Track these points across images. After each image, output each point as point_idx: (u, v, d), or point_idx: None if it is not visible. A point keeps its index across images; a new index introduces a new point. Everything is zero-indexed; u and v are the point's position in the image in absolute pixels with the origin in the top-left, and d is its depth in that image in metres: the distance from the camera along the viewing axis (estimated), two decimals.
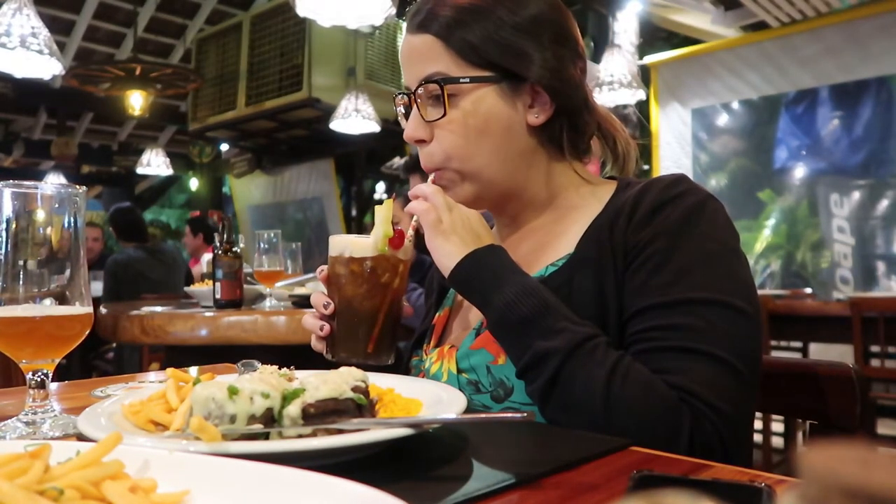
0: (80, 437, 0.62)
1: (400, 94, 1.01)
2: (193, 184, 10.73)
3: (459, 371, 0.94)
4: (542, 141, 0.98)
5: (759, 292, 0.82)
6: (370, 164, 9.06)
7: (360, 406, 0.62)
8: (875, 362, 3.69)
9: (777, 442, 3.23)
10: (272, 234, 2.71)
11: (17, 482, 0.40)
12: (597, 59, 4.84)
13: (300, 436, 0.59)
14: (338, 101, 5.58)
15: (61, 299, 0.78)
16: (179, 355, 2.64)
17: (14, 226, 0.76)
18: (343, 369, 0.67)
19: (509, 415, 0.61)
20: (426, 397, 0.73)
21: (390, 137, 6.69)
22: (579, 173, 1.02)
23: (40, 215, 0.77)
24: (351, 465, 0.55)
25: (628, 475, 0.53)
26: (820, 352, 4.40)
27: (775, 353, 4.30)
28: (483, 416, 0.66)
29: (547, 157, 0.99)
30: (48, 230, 0.77)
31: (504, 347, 0.86)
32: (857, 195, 5.15)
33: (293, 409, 0.59)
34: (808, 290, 5.11)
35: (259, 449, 0.53)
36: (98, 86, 6.22)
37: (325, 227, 8.26)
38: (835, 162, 5.24)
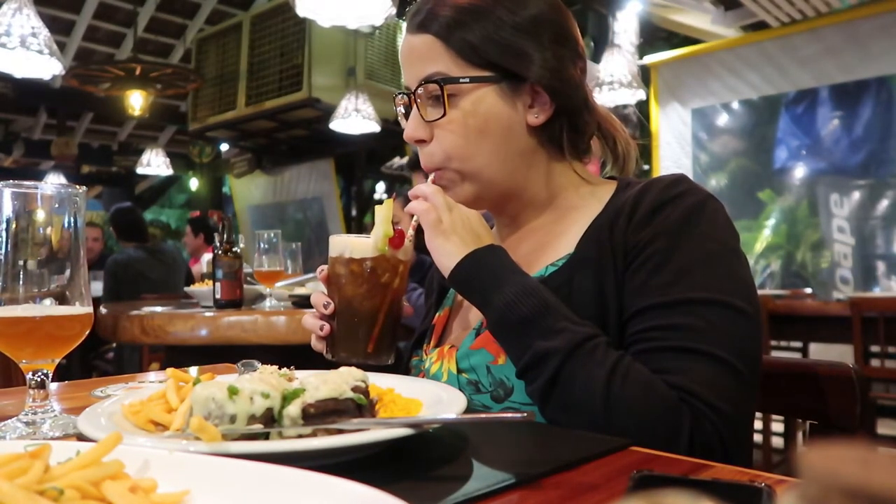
0: (80, 437, 0.62)
1: (400, 94, 1.01)
2: (193, 184, 10.73)
3: (459, 371, 0.94)
4: (541, 141, 0.98)
5: (759, 292, 0.82)
6: (370, 164, 9.06)
7: (360, 406, 0.62)
8: (875, 362, 3.69)
9: (777, 442, 3.23)
10: (272, 234, 2.71)
11: (17, 482, 0.40)
12: (597, 59, 4.84)
13: (300, 436, 0.59)
14: (338, 101, 5.58)
15: (61, 299, 0.78)
16: (179, 355, 2.64)
17: (14, 226, 0.76)
18: (343, 369, 0.67)
19: (509, 415, 0.61)
20: (426, 397, 0.73)
21: (390, 137, 6.69)
22: (579, 173, 1.02)
23: (40, 215, 0.77)
24: (351, 465, 0.55)
25: (628, 475, 0.53)
26: (820, 352, 4.40)
27: (775, 353, 4.30)
28: (483, 416, 0.66)
29: (547, 158, 0.99)
30: (48, 230, 0.77)
31: (504, 347, 0.86)
32: (857, 195, 5.15)
33: (293, 409, 0.59)
34: (808, 290, 5.11)
35: (259, 449, 0.53)
36: (98, 86, 6.22)
37: (325, 227, 8.26)
38: (835, 162, 5.24)
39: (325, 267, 0.98)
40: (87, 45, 7.59)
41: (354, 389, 0.63)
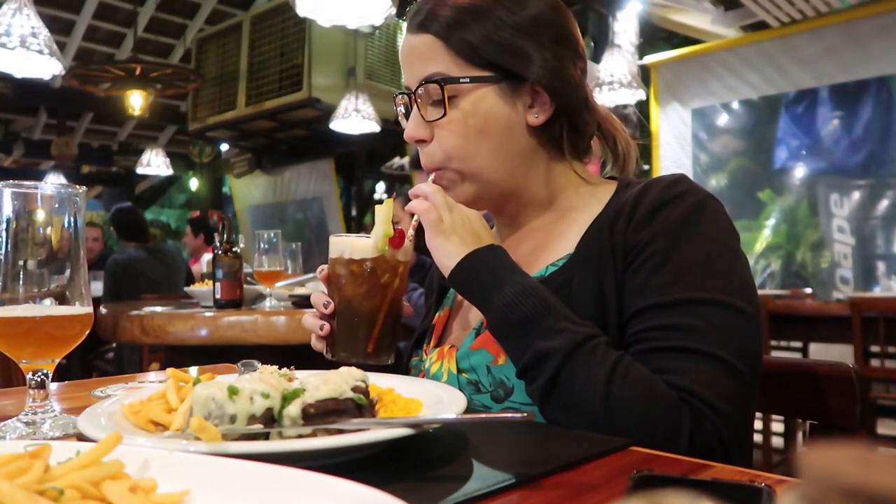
0: (80, 437, 0.62)
1: (400, 94, 1.01)
2: (193, 184, 10.73)
3: (459, 371, 0.94)
4: (541, 141, 0.98)
5: (759, 292, 0.82)
6: (370, 164, 9.06)
7: (360, 406, 0.62)
8: (875, 362, 3.69)
9: (777, 442, 3.23)
10: (272, 234, 2.71)
11: (17, 482, 0.40)
12: (597, 59, 4.84)
13: (300, 436, 0.59)
14: (338, 101, 5.59)
15: (61, 299, 0.78)
16: (179, 355, 2.64)
17: (14, 226, 0.76)
18: (343, 369, 0.67)
19: (509, 415, 0.61)
20: (426, 397, 0.73)
21: (390, 137, 6.69)
22: (579, 173, 1.02)
23: (40, 215, 0.77)
24: (351, 465, 0.55)
25: (628, 475, 0.53)
26: (820, 352, 4.40)
27: (775, 353, 4.30)
28: (483, 416, 0.66)
29: (547, 158, 0.99)
30: (48, 230, 0.77)
31: (504, 347, 0.86)
32: (857, 195, 5.15)
33: (293, 409, 0.59)
34: (808, 290, 5.11)
35: (259, 449, 0.53)
36: (98, 86, 6.22)
37: (325, 227, 8.26)
38: (835, 162, 5.24)
39: (325, 267, 0.98)
40: (87, 45, 7.59)
41: (354, 389, 0.63)
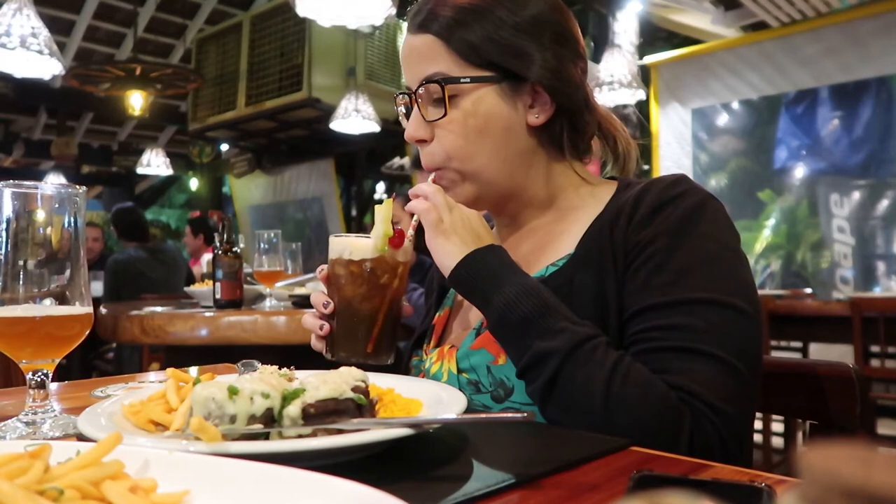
0: (80, 437, 0.62)
1: (401, 93, 1.01)
2: (193, 184, 10.73)
3: (459, 371, 0.94)
4: (542, 141, 0.98)
5: (759, 292, 0.82)
6: (370, 164, 9.06)
7: (360, 406, 0.62)
8: (875, 362, 3.69)
9: (777, 442, 3.23)
10: (272, 234, 2.71)
11: (17, 482, 0.40)
12: (597, 59, 4.84)
13: (300, 436, 0.59)
14: (338, 101, 5.59)
15: (61, 299, 0.78)
16: (179, 355, 2.64)
17: (14, 226, 0.76)
18: (343, 369, 0.67)
19: (509, 415, 0.61)
20: (426, 397, 0.73)
21: (390, 137, 6.69)
22: (579, 173, 1.02)
23: (40, 215, 0.77)
24: (351, 465, 0.55)
25: (628, 475, 0.53)
26: (820, 352, 4.40)
27: (775, 353, 4.30)
28: (483, 416, 0.66)
29: (547, 158, 0.99)
30: (48, 230, 0.77)
31: (504, 347, 0.86)
32: (857, 195, 5.15)
33: (293, 409, 0.59)
34: (808, 290, 5.11)
35: (259, 449, 0.53)
36: (98, 86, 6.22)
37: (325, 227, 8.26)
38: (835, 162, 5.25)
39: (324, 266, 0.98)
40: (87, 45, 7.59)
41: (354, 389, 0.63)
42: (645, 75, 5.76)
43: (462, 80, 0.92)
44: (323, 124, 6.08)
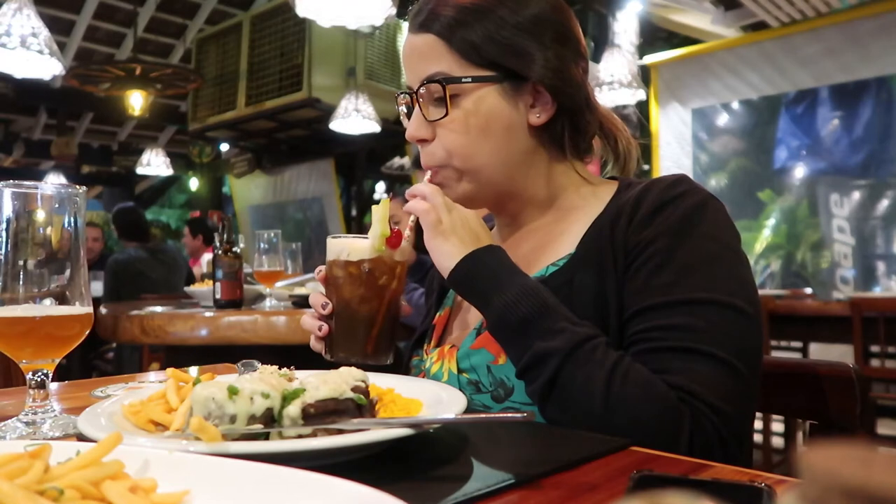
0: (80, 437, 0.62)
1: (402, 93, 1.01)
2: (193, 184, 10.73)
3: (460, 371, 0.94)
4: (543, 141, 0.98)
5: (759, 292, 0.82)
6: (370, 164, 9.06)
7: (360, 406, 0.62)
8: (875, 362, 3.69)
9: (777, 442, 3.23)
10: (272, 234, 2.71)
11: (17, 482, 0.40)
12: (597, 59, 4.84)
13: (300, 436, 0.59)
14: (338, 101, 5.59)
15: (61, 299, 0.78)
16: (179, 355, 2.64)
17: (14, 226, 0.76)
18: (343, 369, 0.67)
19: (509, 415, 0.61)
20: (426, 397, 0.73)
21: (390, 137, 6.69)
22: (580, 173, 1.02)
23: (40, 215, 0.77)
24: (351, 465, 0.55)
25: (628, 475, 0.53)
26: (820, 352, 4.40)
27: (775, 353, 4.30)
28: (483, 416, 0.66)
29: (548, 157, 0.99)
30: (48, 230, 0.77)
31: (504, 348, 0.86)
32: (857, 195, 5.15)
33: (293, 409, 0.59)
34: (808, 290, 5.11)
35: (259, 449, 0.53)
36: (98, 86, 6.22)
37: (325, 227, 8.26)
38: (835, 162, 5.25)
39: (323, 267, 0.98)
40: (87, 45, 7.59)
41: (354, 389, 0.63)
42: (645, 75, 5.75)
43: (463, 80, 0.92)
44: (323, 124, 6.08)
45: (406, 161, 8.18)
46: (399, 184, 10.05)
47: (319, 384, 0.62)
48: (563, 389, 0.78)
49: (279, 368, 0.73)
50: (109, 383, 1.07)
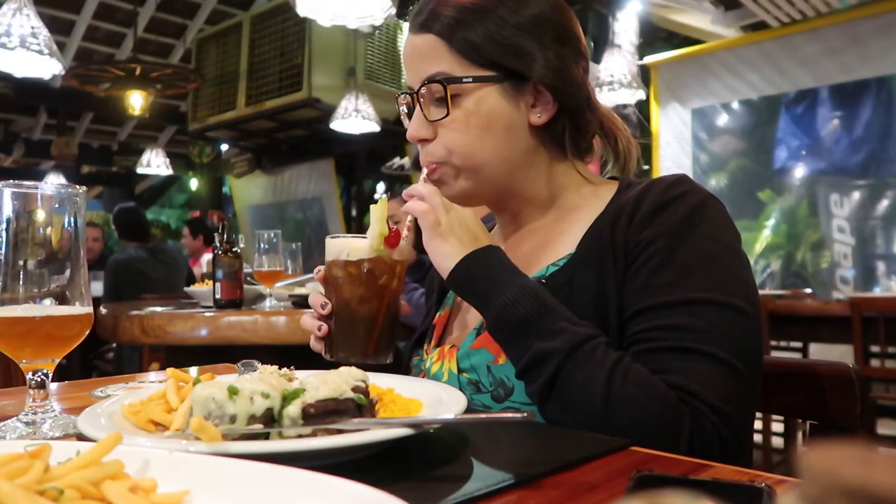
0: (80, 437, 0.62)
1: (402, 93, 1.01)
2: (193, 184, 10.73)
3: (460, 371, 0.94)
4: (544, 140, 0.98)
5: (759, 292, 0.82)
6: (370, 164, 9.05)
7: (360, 406, 0.62)
8: (875, 362, 3.69)
9: (777, 442, 3.23)
10: (272, 234, 2.71)
11: (17, 482, 0.40)
12: (597, 59, 4.84)
13: (300, 436, 0.59)
14: (338, 101, 5.59)
15: (61, 299, 0.78)
16: (179, 355, 2.64)
17: (14, 226, 0.76)
18: (343, 369, 0.67)
19: (509, 415, 0.61)
20: (426, 397, 0.73)
21: (390, 137, 6.69)
22: (581, 173, 1.02)
23: (40, 215, 0.77)
24: (351, 465, 0.55)
25: (628, 475, 0.53)
26: (820, 352, 4.40)
27: (775, 353, 4.30)
28: (483, 416, 0.66)
29: (549, 157, 0.99)
30: (48, 230, 0.77)
31: (503, 348, 0.86)
32: (857, 195, 5.15)
33: (293, 409, 0.59)
34: (808, 290, 5.11)
35: (259, 449, 0.53)
36: (98, 86, 6.22)
37: (325, 227, 8.26)
38: (835, 162, 5.25)
39: (322, 267, 0.98)
40: (87, 45, 7.59)
41: (354, 389, 0.63)
42: (645, 75, 5.75)
43: (464, 80, 0.92)
44: (323, 124, 6.08)
45: (406, 161, 8.17)
46: (399, 184, 10.05)
47: (319, 384, 0.62)
48: (562, 389, 0.78)
49: (279, 368, 0.73)
50: (109, 383, 1.07)
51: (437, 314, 1.11)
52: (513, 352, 0.83)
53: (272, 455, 0.52)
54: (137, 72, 5.87)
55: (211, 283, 2.66)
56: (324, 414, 0.60)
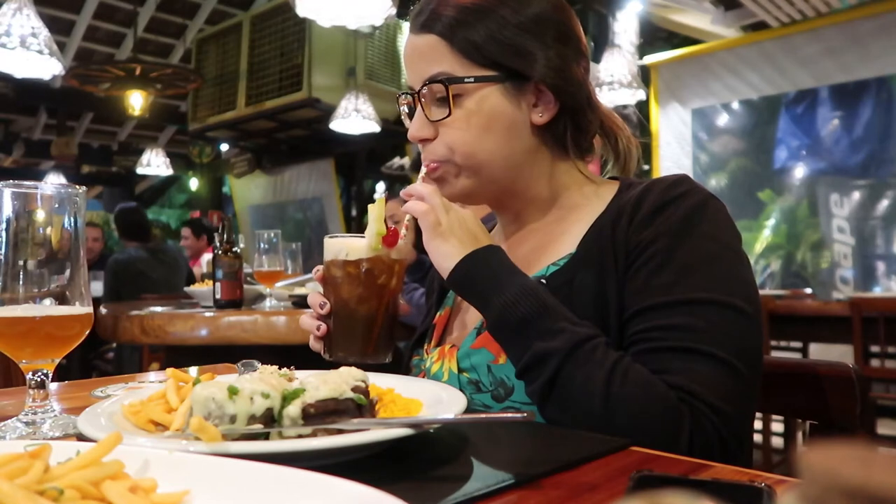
0: (80, 437, 0.62)
1: (403, 93, 1.01)
2: (193, 184, 10.74)
3: (460, 370, 0.94)
4: (545, 140, 0.98)
5: (759, 292, 0.82)
6: (370, 164, 9.06)
7: (360, 406, 0.62)
8: (875, 362, 3.69)
9: (777, 442, 3.23)
10: (272, 234, 2.71)
11: (17, 482, 0.40)
12: (597, 59, 4.84)
13: (300, 436, 0.59)
14: (338, 101, 5.59)
15: (61, 299, 0.78)
16: (179, 355, 2.64)
17: (14, 226, 0.76)
18: (343, 369, 0.67)
19: (509, 415, 0.61)
20: (426, 397, 0.73)
21: (390, 137, 6.69)
22: (583, 172, 1.02)
23: (40, 215, 0.77)
24: (351, 465, 0.55)
25: (628, 475, 0.53)
26: (820, 352, 4.40)
27: (775, 353, 4.30)
28: (483, 416, 0.66)
29: (550, 157, 1.00)
30: (48, 230, 0.77)
31: (504, 348, 0.86)
32: (857, 195, 5.15)
33: (293, 409, 0.59)
34: (808, 290, 5.11)
35: (259, 449, 0.53)
36: (98, 86, 6.22)
37: (325, 227, 8.27)
38: (835, 162, 5.25)
39: (320, 267, 0.98)
40: (87, 45, 7.59)
41: (354, 389, 0.63)
42: (645, 75, 5.76)
43: (466, 80, 0.92)
44: (323, 124, 6.08)
45: (406, 161, 8.17)
46: (399, 184, 10.05)
47: (319, 384, 0.62)
48: (562, 389, 0.78)
49: (279, 368, 0.73)
50: (109, 383, 1.06)
51: (438, 314, 1.11)
52: (513, 352, 0.83)
53: (272, 455, 0.52)
54: (137, 72, 5.88)
55: (211, 283, 2.66)
56: (324, 414, 0.60)
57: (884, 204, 5.04)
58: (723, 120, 5.88)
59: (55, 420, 0.76)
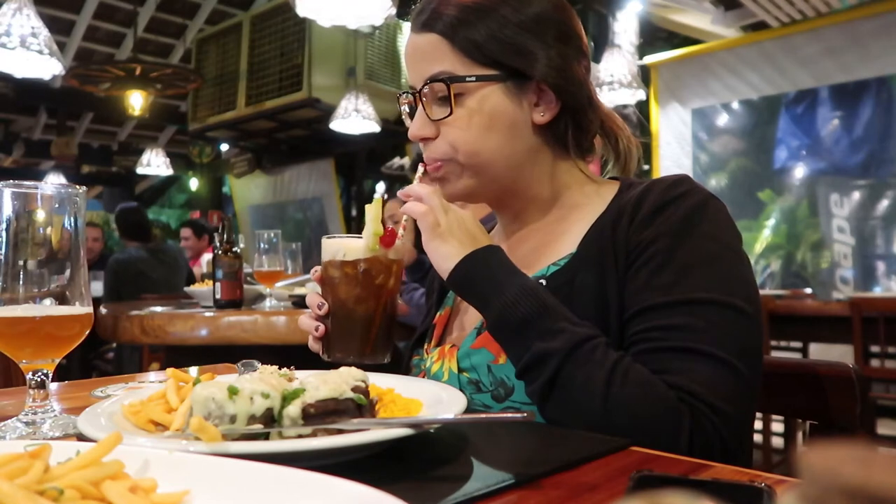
0: (80, 437, 0.62)
1: (404, 93, 1.01)
2: (193, 184, 10.74)
3: (460, 370, 0.94)
4: (546, 139, 0.98)
5: (760, 292, 0.82)
6: (370, 164, 9.06)
7: (360, 406, 0.62)
8: (875, 362, 3.69)
9: (777, 442, 3.23)
10: (272, 234, 2.71)
11: (17, 482, 0.40)
12: (597, 59, 4.84)
13: (300, 436, 0.59)
14: (338, 101, 5.59)
15: (61, 299, 0.78)
16: (179, 355, 2.64)
17: (14, 226, 0.76)
18: (343, 369, 0.67)
19: (509, 415, 0.61)
20: (426, 397, 0.73)
21: (390, 137, 6.69)
22: (584, 172, 1.02)
23: (40, 215, 0.77)
24: (351, 465, 0.55)
25: (628, 475, 0.53)
26: (820, 352, 4.40)
27: (775, 353, 4.30)
28: (483, 416, 0.66)
29: (552, 156, 1.00)
30: (48, 230, 0.77)
31: (504, 348, 0.86)
32: (857, 195, 5.15)
33: (293, 409, 0.59)
34: (808, 290, 5.11)
35: (259, 449, 0.53)
36: (98, 86, 6.22)
37: (325, 227, 8.27)
38: (835, 162, 5.25)
39: (318, 268, 0.98)
40: (87, 45, 7.59)
41: (354, 389, 0.63)
42: (645, 75, 5.75)
43: (467, 79, 0.92)
44: (323, 124, 6.08)
45: (406, 161, 8.17)
46: (399, 184, 10.05)
47: (319, 384, 0.62)
48: (562, 389, 0.78)
49: (279, 368, 0.73)
50: (109, 383, 1.07)
51: (438, 314, 1.11)
52: (513, 352, 0.83)
53: (272, 455, 0.52)
54: (137, 72, 5.87)
55: (211, 283, 2.66)
56: (324, 414, 0.60)
57: (884, 204, 5.04)
58: (723, 120, 5.88)
59: (55, 420, 0.76)
